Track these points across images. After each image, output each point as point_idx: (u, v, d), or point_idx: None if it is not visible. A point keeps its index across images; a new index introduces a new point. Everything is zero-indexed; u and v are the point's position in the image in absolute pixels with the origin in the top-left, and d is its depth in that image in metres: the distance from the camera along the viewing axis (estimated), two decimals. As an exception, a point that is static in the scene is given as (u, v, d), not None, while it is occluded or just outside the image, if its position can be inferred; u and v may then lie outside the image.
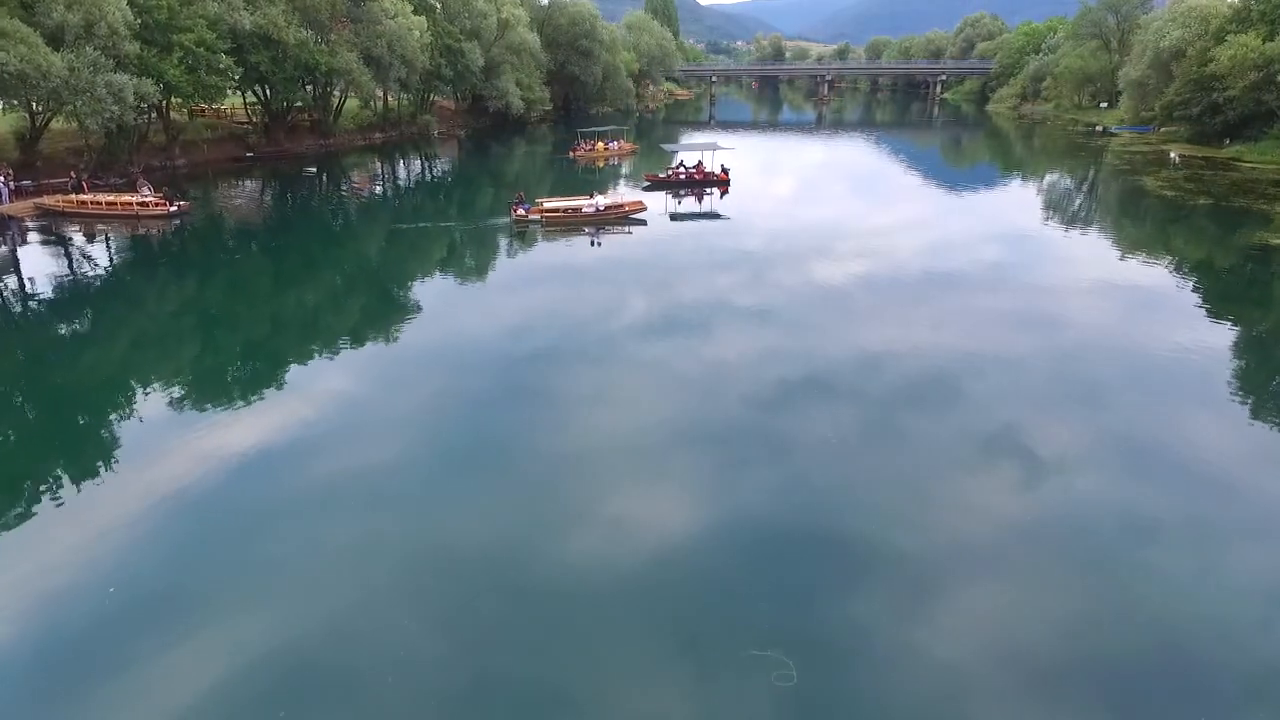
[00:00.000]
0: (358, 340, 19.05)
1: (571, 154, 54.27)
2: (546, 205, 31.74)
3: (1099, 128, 79.59)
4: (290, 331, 20.43)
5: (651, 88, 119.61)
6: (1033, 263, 26.87)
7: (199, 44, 37.96)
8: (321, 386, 15.96)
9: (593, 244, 29.41)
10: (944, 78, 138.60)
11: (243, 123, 52.80)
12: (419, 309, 21.94)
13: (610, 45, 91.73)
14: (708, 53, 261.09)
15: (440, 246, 30.17)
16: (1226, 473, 12.31)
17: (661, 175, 42.12)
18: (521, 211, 31.34)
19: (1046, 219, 36.10)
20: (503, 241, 30.05)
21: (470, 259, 28.81)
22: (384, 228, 34.34)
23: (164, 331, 20.42)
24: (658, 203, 35.14)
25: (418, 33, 53.90)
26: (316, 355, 17.96)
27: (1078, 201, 42.23)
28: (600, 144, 55.53)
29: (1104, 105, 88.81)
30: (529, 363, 17.02)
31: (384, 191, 45.08)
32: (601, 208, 31.62)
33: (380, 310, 22.12)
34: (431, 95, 69.27)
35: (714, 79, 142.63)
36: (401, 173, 53.23)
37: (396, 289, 24.59)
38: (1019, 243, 30.29)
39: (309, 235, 32.60)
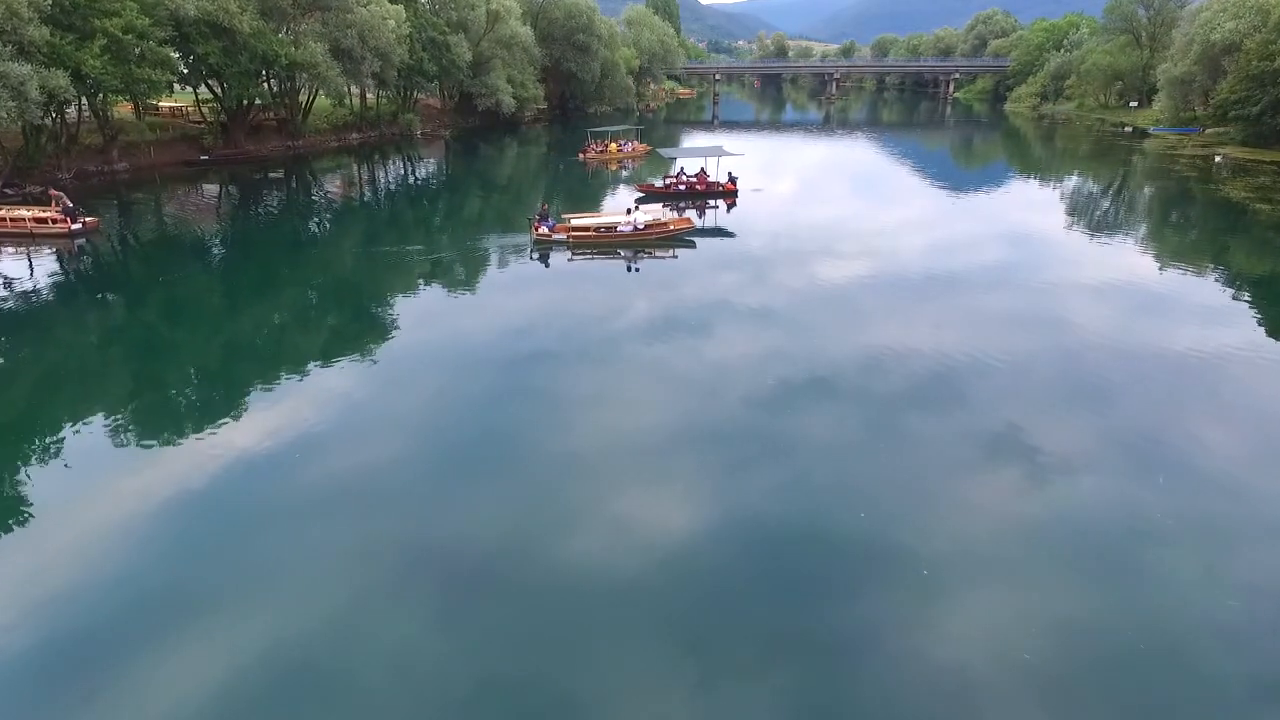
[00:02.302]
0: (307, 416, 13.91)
1: (581, 156, 49.61)
2: (574, 223, 26.51)
3: (1127, 128, 74.41)
4: (188, 430, 15.17)
5: (652, 86, 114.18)
6: (1151, 311, 21.47)
7: (127, 30, 32.48)
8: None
9: (629, 269, 24.26)
10: (956, 76, 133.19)
11: (198, 122, 47.40)
12: (401, 338, 18.51)
13: (609, 40, 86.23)
14: (709, 52, 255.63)
15: (435, 275, 24.35)
16: (1234, 476, 12.05)
17: (658, 185, 36.50)
18: (544, 229, 26.08)
19: (1133, 245, 30.75)
20: (518, 265, 24.82)
21: (472, 289, 23.20)
22: (358, 249, 28.51)
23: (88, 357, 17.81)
24: None
25: (393, 23, 48.48)
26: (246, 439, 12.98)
27: (1168, 221, 35.88)
28: (613, 145, 50.80)
29: (1134, 104, 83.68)
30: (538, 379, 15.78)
31: (360, 197, 39.79)
32: (640, 226, 26.28)
33: (353, 366, 16.68)
34: (415, 92, 63.85)
35: (717, 77, 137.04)
36: (381, 178, 47.67)
37: (373, 338, 18.85)
38: (1122, 285, 24.27)
39: (259, 259, 27.01)
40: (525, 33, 70.41)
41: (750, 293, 21.62)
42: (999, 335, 18.10)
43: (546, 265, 24.52)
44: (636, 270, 24.21)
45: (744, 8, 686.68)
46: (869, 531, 10.37)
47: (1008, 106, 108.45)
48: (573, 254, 25.28)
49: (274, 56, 41.64)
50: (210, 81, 43.88)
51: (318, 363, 16.47)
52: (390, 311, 20.77)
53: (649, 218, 26.93)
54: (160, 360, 17.39)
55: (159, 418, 14.13)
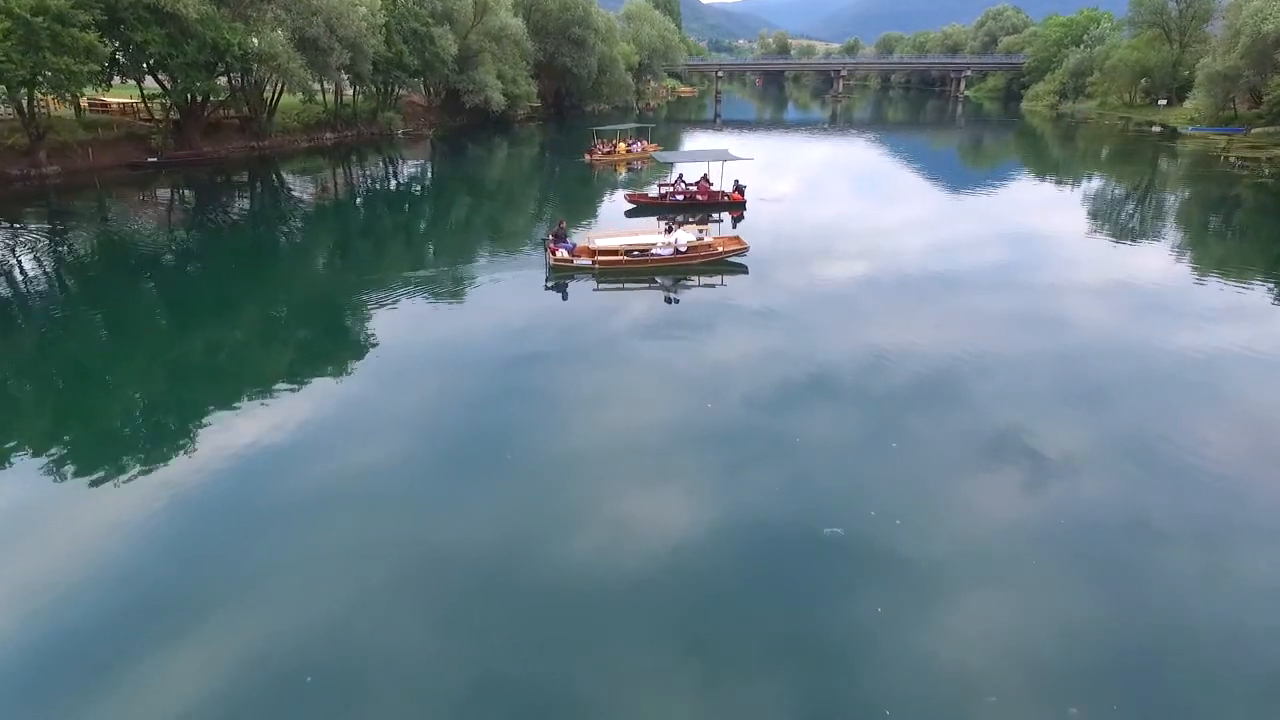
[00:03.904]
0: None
1: (587, 157, 45.08)
2: (599, 244, 21.74)
3: (1156, 128, 69.78)
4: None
5: (653, 84, 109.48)
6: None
7: (38, 12, 27.72)
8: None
9: (668, 300, 19.77)
10: (968, 73, 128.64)
11: (148, 120, 42.59)
12: (398, 360, 16.31)
13: (607, 35, 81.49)
14: (710, 50, 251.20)
15: (429, 302, 19.64)
16: (1237, 476, 11.49)
17: (652, 195, 31.59)
18: (563, 253, 21.27)
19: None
20: (530, 296, 20.04)
21: (473, 316, 18.93)
22: (333, 271, 23.71)
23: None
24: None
25: (365, 9, 43.74)
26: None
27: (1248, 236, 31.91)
28: (621, 145, 46.35)
29: (1162, 102, 79.09)
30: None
31: (334, 203, 34.99)
32: (683, 248, 21.61)
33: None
34: (395, 89, 59.05)
35: (720, 74, 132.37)
36: (359, 181, 42.67)
37: (353, 360, 15.24)
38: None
39: (206, 280, 22.11)
40: (516, 25, 65.72)
41: (769, 308, 17.77)
42: (1039, 340, 17.17)
43: (565, 298, 19.82)
44: (676, 302, 19.64)
45: (744, 7, 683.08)
46: (871, 532, 10.10)
47: (1024, 105, 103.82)
48: (598, 283, 20.59)
49: (225, 46, 36.79)
50: (158, 74, 39.05)
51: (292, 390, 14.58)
52: (380, 336, 17.33)
53: (692, 237, 22.15)
54: (98, 384, 15.22)
55: (145, 431, 13.25)
